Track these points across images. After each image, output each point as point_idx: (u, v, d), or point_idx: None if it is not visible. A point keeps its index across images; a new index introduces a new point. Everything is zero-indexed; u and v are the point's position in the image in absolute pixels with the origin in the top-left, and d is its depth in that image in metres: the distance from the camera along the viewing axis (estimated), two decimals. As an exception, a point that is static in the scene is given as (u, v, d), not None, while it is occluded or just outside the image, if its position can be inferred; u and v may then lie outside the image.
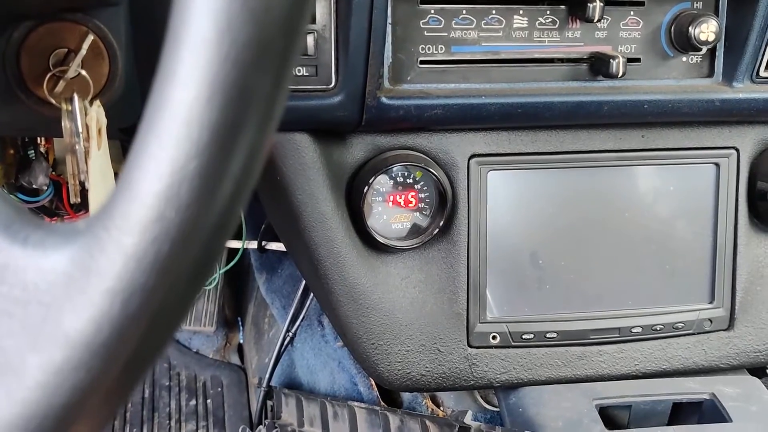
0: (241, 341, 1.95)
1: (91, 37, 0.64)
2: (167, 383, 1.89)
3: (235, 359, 1.94)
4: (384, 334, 0.97)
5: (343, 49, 0.80)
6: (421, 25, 0.84)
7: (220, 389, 1.87)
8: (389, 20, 0.82)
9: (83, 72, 0.65)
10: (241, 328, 1.97)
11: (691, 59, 0.91)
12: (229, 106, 0.30)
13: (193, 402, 1.85)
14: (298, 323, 1.39)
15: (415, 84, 0.85)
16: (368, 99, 0.82)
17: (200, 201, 0.30)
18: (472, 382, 1.02)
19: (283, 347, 1.40)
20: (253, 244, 1.47)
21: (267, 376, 1.41)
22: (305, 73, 0.81)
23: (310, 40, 0.80)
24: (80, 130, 0.60)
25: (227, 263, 1.52)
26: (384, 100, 0.83)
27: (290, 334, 1.39)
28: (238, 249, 1.48)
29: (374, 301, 0.96)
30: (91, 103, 0.64)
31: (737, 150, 1.02)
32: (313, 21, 0.79)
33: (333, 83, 0.82)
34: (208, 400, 1.86)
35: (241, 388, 1.86)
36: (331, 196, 0.91)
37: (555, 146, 0.98)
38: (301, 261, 0.98)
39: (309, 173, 0.89)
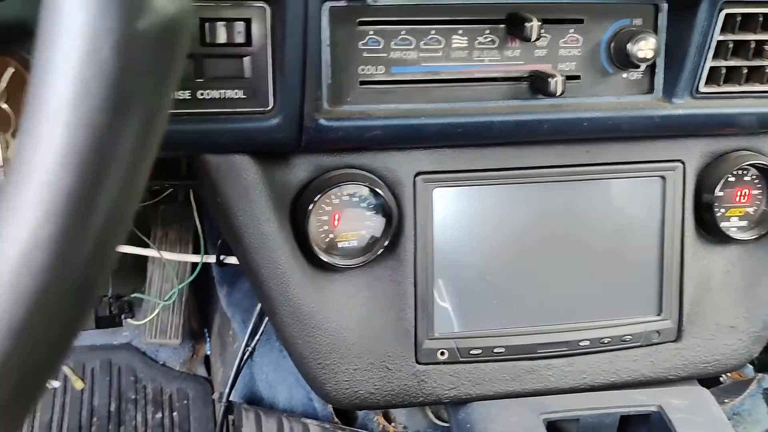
0: (208, 353, 1.94)
1: (11, 69, 0.63)
2: (133, 396, 1.88)
3: (201, 371, 1.93)
4: (331, 354, 0.97)
5: (279, 71, 0.79)
6: (360, 46, 0.84)
7: (186, 402, 1.86)
8: (328, 42, 0.82)
9: (4, 105, 0.64)
10: (207, 339, 1.96)
11: (632, 76, 0.92)
12: (85, 169, 0.29)
13: (159, 415, 1.84)
14: (257, 338, 1.38)
15: (355, 105, 0.85)
16: (306, 121, 0.82)
17: (56, 266, 0.30)
18: (421, 399, 1.02)
19: (243, 362, 1.39)
20: (213, 258, 1.46)
21: (227, 391, 1.40)
22: (242, 96, 0.81)
23: (246, 62, 0.79)
24: (0, 164, 0.59)
25: (187, 277, 1.51)
26: (322, 121, 0.82)
27: (249, 348, 1.39)
28: (197, 263, 1.47)
29: (320, 321, 0.96)
30: (13, 135, 0.64)
31: (683, 163, 1.03)
32: (249, 43, 0.79)
33: (270, 106, 0.81)
34: (174, 413, 1.85)
35: (207, 400, 1.85)
36: (274, 217, 0.90)
37: (500, 162, 0.98)
38: (249, 279, 0.97)
39: (250, 195, 0.88)
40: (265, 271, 0.92)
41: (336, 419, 1.20)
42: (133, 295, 1.61)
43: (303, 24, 0.76)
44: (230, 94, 0.80)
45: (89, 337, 1.89)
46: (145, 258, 1.76)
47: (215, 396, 1.60)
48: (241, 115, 0.81)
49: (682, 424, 1.01)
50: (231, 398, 1.51)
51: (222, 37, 0.77)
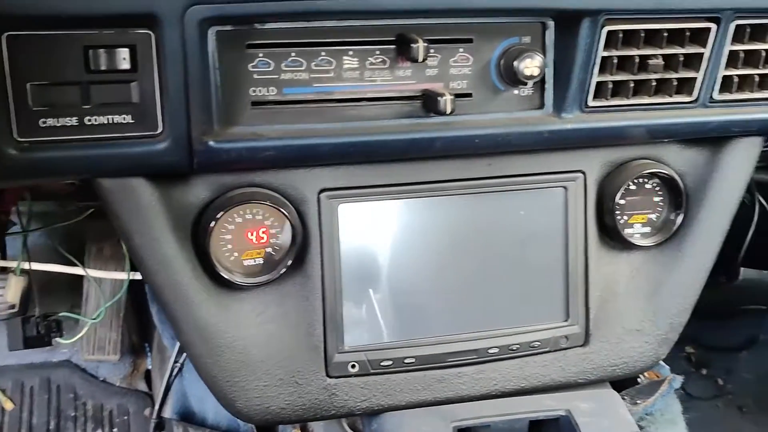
0: (149, 367, 1.93)
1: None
2: (73, 413, 1.87)
3: (142, 386, 1.92)
4: (239, 371, 0.98)
5: (165, 96, 0.80)
6: (251, 69, 0.85)
7: (126, 417, 1.85)
8: (217, 65, 0.83)
9: None
10: (149, 354, 1.95)
11: (523, 92, 0.94)
12: None
13: (99, 431, 1.83)
14: (185, 353, 1.38)
15: (248, 126, 0.86)
16: (196, 144, 0.83)
17: None
18: (333, 412, 1.03)
19: (172, 378, 1.40)
20: (139, 275, 1.45)
21: (157, 408, 1.40)
22: (130, 121, 0.81)
23: (133, 88, 0.80)
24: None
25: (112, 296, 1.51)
26: (212, 144, 0.83)
27: (178, 364, 1.39)
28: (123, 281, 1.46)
29: (227, 340, 0.97)
30: None
31: (584, 173, 1.06)
32: (135, 69, 0.80)
33: (159, 130, 0.82)
34: (114, 429, 1.84)
35: (149, 419, 1.84)
36: (173, 238, 0.91)
37: (404, 177, 1.00)
38: (156, 300, 0.98)
39: (147, 217, 0.89)
40: (167, 292, 0.92)
41: (257, 433, 1.21)
42: (61, 314, 1.60)
43: (183, 49, 0.77)
44: (118, 119, 0.81)
45: (27, 355, 1.87)
46: (81, 275, 1.75)
47: (146, 413, 1.59)
48: (130, 139, 0.82)
49: (588, 428, 1.04)
50: (166, 414, 1.51)
51: (106, 63, 0.78)
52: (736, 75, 0.96)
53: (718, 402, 2.03)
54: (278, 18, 0.82)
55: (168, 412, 1.50)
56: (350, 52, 0.87)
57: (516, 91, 0.94)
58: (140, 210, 0.88)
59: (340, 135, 0.88)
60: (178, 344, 1.37)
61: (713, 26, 0.92)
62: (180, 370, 1.39)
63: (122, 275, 1.44)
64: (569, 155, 1.05)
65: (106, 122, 0.80)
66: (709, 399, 2.03)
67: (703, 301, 1.80)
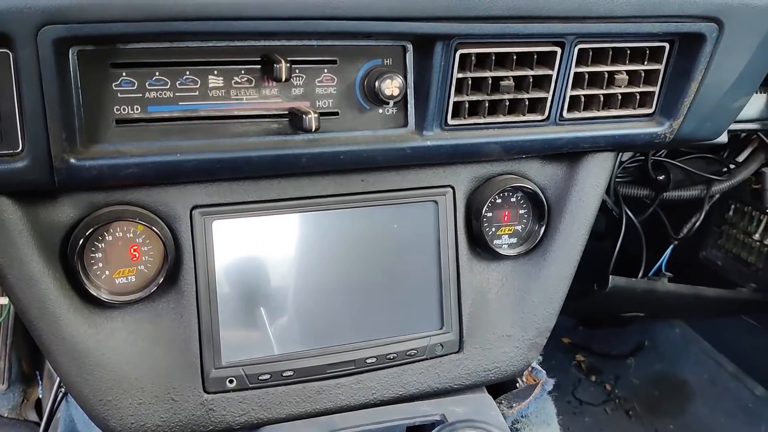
0: (41, 395, 1.87)
1: None
2: (-45, 448, 1.78)
3: (33, 416, 1.85)
4: (112, 390, 0.98)
5: (24, 115, 0.80)
6: (114, 87, 0.86)
7: (14, 450, 1.78)
8: (79, 84, 0.84)
9: None
10: (39, 382, 1.88)
11: (387, 111, 0.99)
12: None
13: (-16, 466, 1.75)
14: (64, 384, 1.35)
15: (111, 144, 0.87)
16: (56, 162, 0.83)
17: None
18: (211, 427, 1.04)
19: (57, 403, 1.36)
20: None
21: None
22: (-12, 139, 0.81)
23: (-9, 107, 0.80)
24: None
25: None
26: (73, 161, 0.84)
27: (62, 389, 1.36)
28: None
29: (98, 358, 0.96)
30: None
31: (453, 188, 1.12)
32: (-8, 89, 0.80)
33: (20, 148, 0.82)
34: (1, 463, 1.76)
35: (36, 447, 1.78)
36: (39, 257, 0.91)
37: (278, 193, 1.03)
38: (22, 320, 0.96)
39: (11, 235, 0.88)
40: (33, 311, 0.91)
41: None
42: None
43: (38, 71, 0.78)
44: (-29, 138, 0.80)
45: None
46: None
47: (29, 441, 1.54)
48: (-11, 157, 0.81)
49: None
50: (53, 441, 1.47)
51: (-39, 82, 0.77)
52: (582, 95, 1.04)
53: (606, 407, 2.14)
54: (139, 38, 0.84)
55: (56, 440, 1.45)
56: (215, 72, 0.90)
57: (381, 110, 0.99)
58: (3, 229, 0.87)
59: (205, 151, 0.90)
60: (61, 369, 1.33)
61: (558, 50, 0.99)
62: (66, 394, 1.35)
63: (3, 300, 1.40)
64: (438, 171, 1.11)
65: (-38, 141, 0.80)
66: (599, 404, 2.14)
67: (584, 309, 1.90)
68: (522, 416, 1.29)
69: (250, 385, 1.04)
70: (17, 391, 1.86)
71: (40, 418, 1.83)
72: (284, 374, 1.06)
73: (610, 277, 1.52)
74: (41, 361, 1.87)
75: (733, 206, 1.97)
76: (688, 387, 2.15)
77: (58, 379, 1.36)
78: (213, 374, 1.03)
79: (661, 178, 1.58)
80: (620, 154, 1.45)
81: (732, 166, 1.65)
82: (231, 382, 1.04)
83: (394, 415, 1.09)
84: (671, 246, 1.73)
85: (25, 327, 1.80)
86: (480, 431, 0.61)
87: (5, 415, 1.84)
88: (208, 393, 1.03)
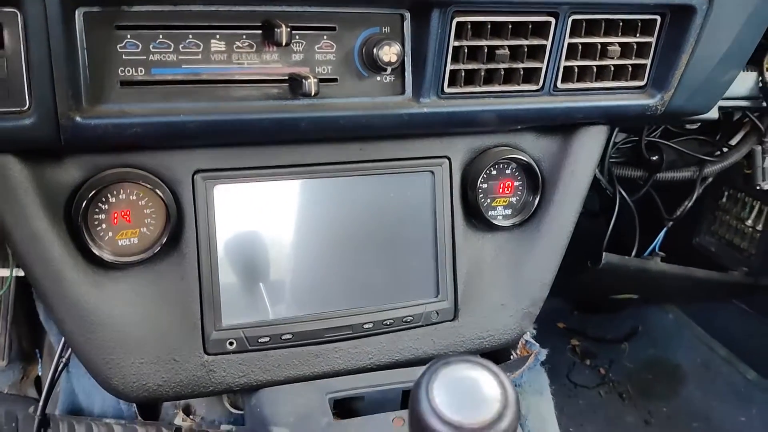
0: (40, 373, 1.89)
1: None
2: (-44, 423, 1.80)
3: (33, 393, 1.87)
4: (115, 349, 1.00)
5: (31, 73, 0.82)
6: (119, 49, 0.89)
7: (14, 424, 1.79)
8: (84, 44, 0.86)
9: None
10: (39, 359, 1.90)
11: (385, 79, 1.02)
12: None
13: (-16, 440, 1.77)
14: (68, 344, 1.37)
15: (116, 104, 0.89)
16: (62, 119, 0.85)
17: None
18: (211, 388, 1.06)
19: (57, 373, 1.38)
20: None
21: (41, 404, 1.38)
22: (-4, 96, 0.83)
23: (0, 64, 0.82)
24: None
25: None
26: (79, 120, 0.86)
27: (63, 359, 1.38)
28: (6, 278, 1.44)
29: (101, 318, 0.99)
30: None
31: (449, 158, 1.15)
32: (2, 45, 0.82)
33: (27, 105, 0.84)
34: (1, 437, 1.78)
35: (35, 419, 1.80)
36: (44, 216, 0.93)
37: (279, 160, 1.05)
38: (29, 280, 0.98)
39: (17, 194, 0.90)
40: (37, 269, 0.94)
41: (139, 417, 1.22)
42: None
43: (46, 29, 0.80)
44: (-24, 94, 0.82)
45: None
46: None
47: (30, 410, 1.56)
48: (-5, 114, 0.83)
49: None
50: (55, 412, 1.49)
51: (-30, 39, 0.80)
52: (576, 66, 1.07)
53: (600, 390, 2.16)
54: (144, 0, 0.86)
55: (57, 411, 1.48)
56: (217, 36, 0.92)
57: (379, 78, 1.01)
58: (9, 187, 0.89)
59: (207, 114, 0.92)
60: (63, 340, 1.36)
61: (552, 20, 1.02)
62: (66, 365, 1.38)
63: (5, 272, 1.42)
64: (435, 142, 1.13)
65: (-30, 97, 0.82)
66: (593, 387, 2.16)
67: (578, 289, 1.92)
68: (516, 385, 1.31)
69: (250, 348, 1.07)
70: (17, 368, 1.89)
71: (40, 394, 1.86)
72: (283, 337, 1.08)
73: (604, 254, 1.55)
74: (41, 339, 1.89)
75: (726, 192, 1.99)
76: (681, 371, 2.18)
77: (58, 351, 1.38)
78: (213, 336, 1.05)
79: (654, 158, 1.61)
80: (615, 132, 1.48)
81: (725, 149, 1.67)
82: (231, 344, 1.06)
83: (390, 379, 1.12)
84: (665, 228, 1.75)
85: (25, 305, 1.84)
86: (473, 364, 0.64)
87: (5, 391, 1.87)
88: (208, 354, 1.05)
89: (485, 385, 0.62)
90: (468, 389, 0.62)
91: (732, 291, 2.04)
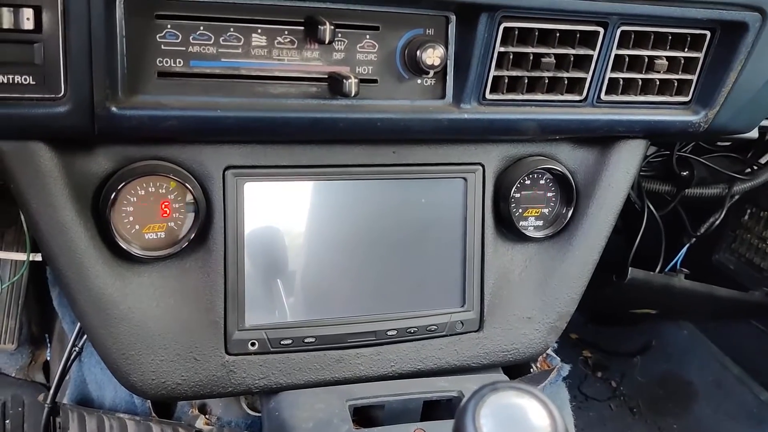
0: (48, 358, 1.87)
1: None
2: (-38, 405, 1.78)
3: (40, 378, 1.85)
4: (135, 345, 0.98)
5: (68, 59, 0.80)
6: (158, 39, 0.86)
7: (20, 409, 1.78)
8: (123, 33, 0.83)
9: None
10: (48, 344, 1.89)
11: (426, 82, 0.99)
12: None
13: (-9, 423, 1.76)
14: (85, 338, 1.35)
15: (152, 95, 0.87)
16: (98, 109, 0.83)
17: None
18: (231, 389, 1.04)
19: (70, 362, 1.36)
20: (39, 257, 1.41)
21: (51, 393, 1.36)
22: (32, 82, 0.80)
23: (36, 49, 0.79)
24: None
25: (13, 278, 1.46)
26: (114, 110, 0.84)
27: (76, 348, 1.36)
28: (23, 262, 1.42)
29: (123, 312, 0.96)
30: None
31: (483, 166, 1.12)
32: (40, 30, 0.79)
33: (62, 92, 0.82)
34: (7, 421, 1.76)
35: (44, 407, 1.78)
36: (72, 206, 0.90)
37: (311, 160, 1.03)
38: (51, 269, 0.96)
39: (45, 182, 0.88)
40: (61, 260, 0.91)
41: (153, 414, 1.20)
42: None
43: (88, 15, 0.78)
44: (19, 79, 0.80)
45: None
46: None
47: (40, 398, 1.54)
48: (32, 101, 0.81)
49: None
50: (63, 401, 1.47)
51: (7, 22, 0.77)
52: (622, 78, 1.04)
53: (611, 403, 2.14)
54: (187, -11, 0.84)
55: (66, 400, 1.46)
56: (259, 30, 0.90)
57: (419, 81, 0.98)
58: (39, 175, 0.87)
59: (244, 110, 0.90)
60: (77, 328, 1.34)
61: (601, 30, 0.99)
62: (78, 354, 1.36)
63: (21, 256, 1.40)
64: (470, 148, 1.10)
65: (5, 81, 0.79)
66: (604, 400, 2.14)
67: (599, 302, 1.90)
68: (536, 400, 1.29)
69: (272, 349, 1.04)
70: (26, 353, 1.87)
71: (47, 380, 1.84)
72: (306, 340, 1.06)
73: (630, 269, 1.52)
74: (51, 324, 1.87)
75: (749, 210, 1.96)
76: (693, 388, 2.15)
77: (71, 340, 1.36)
78: (236, 336, 1.03)
79: (684, 173, 1.58)
80: (649, 144, 1.45)
81: (755, 167, 1.64)
82: (253, 345, 1.04)
83: (412, 389, 1.09)
84: (687, 245, 1.72)
85: (37, 289, 1.82)
86: (521, 392, 0.61)
87: (12, 375, 1.85)
88: (229, 354, 1.03)
89: (533, 414, 0.60)
90: (516, 418, 0.60)
91: (750, 310, 2.01)
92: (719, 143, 1.60)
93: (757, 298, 1.93)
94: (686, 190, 1.59)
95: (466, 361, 1.15)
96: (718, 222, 1.65)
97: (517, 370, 1.35)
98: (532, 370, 1.36)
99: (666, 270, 1.75)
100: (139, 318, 0.98)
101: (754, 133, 1.25)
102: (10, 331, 1.81)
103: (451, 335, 1.14)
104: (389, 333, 1.10)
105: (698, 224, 1.72)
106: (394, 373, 1.11)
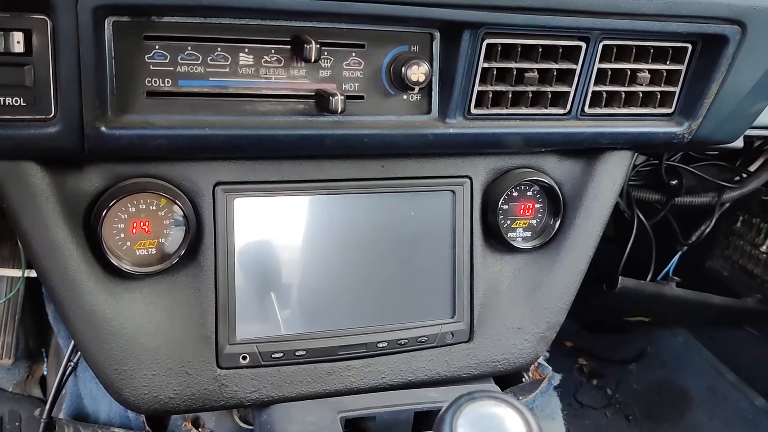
0: (45, 373, 1.88)
1: None
2: (-43, 420, 1.79)
3: (37, 392, 1.86)
4: (127, 360, 0.99)
5: (58, 81, 0.82)
6: (147, 60, 0.88)
7: (18, 424, 1.79)
8: (112, 54, 0.85)
9: None
10: (45, 359, 1.89)
11: (411, 97, 1.01)
12: None
13: (-13, 438, 1.76)
14: (80, 353, 1.36)
15: (141, 115, 0.88)
16: (87, 129, 0.84)
17: None
18: (223, 402, 1.05)
19: (65, 377, 1.37)
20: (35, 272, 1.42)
21: (47, 407, 1.37)
22: (22, 104, 0.82)
23: (27, 71, 0.81)
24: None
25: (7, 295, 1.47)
26: (104, 130, 0.85)
27: (72, 363, 1.37)
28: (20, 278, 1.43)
29: (115, 327, 0.98)
30: None
31: (470, 178, 1.13)
32: (30, 53, 0.81)
33: (52, 113, 0.83)
34: (4, 436, 1.77)
35: (40, 422, 1.79)
36: (64, 224, 0.92)
37: (300, 175, 1.04)
38: (44, 286, 0.97)
39: (37, 201, 0.89)
40: (54, 277, 0.93)
41: (147, 427, 1.21)
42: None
43: (77, 37, 0.79)
44: (10, 101, 0.82)
45: None
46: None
47: (36, 413, 1.55)
48: (22, 122, 0.82)
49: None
50: (59, 415, 1.48)
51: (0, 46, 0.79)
52: (605, 91, 1.06)
53: (607, 411, 2.14)
54: (174, 12, 0.85)
55: (62, 414, 1.47)
56: (246, 50, 0.91)
57: (405, 96, 1.00)
58: (30, 194, 0.89)
59: (233, 127, 0.91)
60: (72, 343, 1.35)
61: (583, 44, 1.01)
62: (74, 369, 1.37)
63: (17, 272, 1.41)
64: (457, 161, 1.12)
65: (-4, 103, 0.81)
66: (599, 408, 2.14)
67: (591, 311, 1.91)
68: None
69: (263, 363, 1.06)
70: (22, 367, 1.88)
71: (44, 394, 1.85)
72: (296, 353, 1.07)
73: (620, 278, 1.53)
74: (47, 339, 1.88)
75: (741, 218, 1.98)
76: (688, 395, 2.16)
77: (66, 354, 1.37)
78: (227, 350, 1.04)
79: (673, 182, 1.60)
80: (635, 155, 1.46)
81: (744, 175, 1.66)
82: (244, 358, 1.05)
83: (403, 400, 1.10)
84: (679, 252, 1.74)
85: (33, 304, 1.83)
86: (498, 401, 0.62)
87: (9, 389, 1.86)
88: (221, 368, 1.04)
89: (510, 423, 0.61)
90: (493, 427, 0.61)
91: (744, 317, 2.02)
92: (707, 152, 1.62)
93: (751, 305, 1.94)
94: (676, 199, 1.60)
95: (456, 372, 1.16)
96: (708, 230, 1.66)
97: (509, 380, 1.36)
98: (524, 379, 1.37)
99: (659, 278, 1.76)
100: (132, 333, 0.99)
101: (739, 143, 1.26)
102: (7, 347, 1.82)
103: (441, 346, 1.15)
104: (380, 345, 1.11)
105: (689, 232, 1.73)
106: (385, 385, 1.12)
